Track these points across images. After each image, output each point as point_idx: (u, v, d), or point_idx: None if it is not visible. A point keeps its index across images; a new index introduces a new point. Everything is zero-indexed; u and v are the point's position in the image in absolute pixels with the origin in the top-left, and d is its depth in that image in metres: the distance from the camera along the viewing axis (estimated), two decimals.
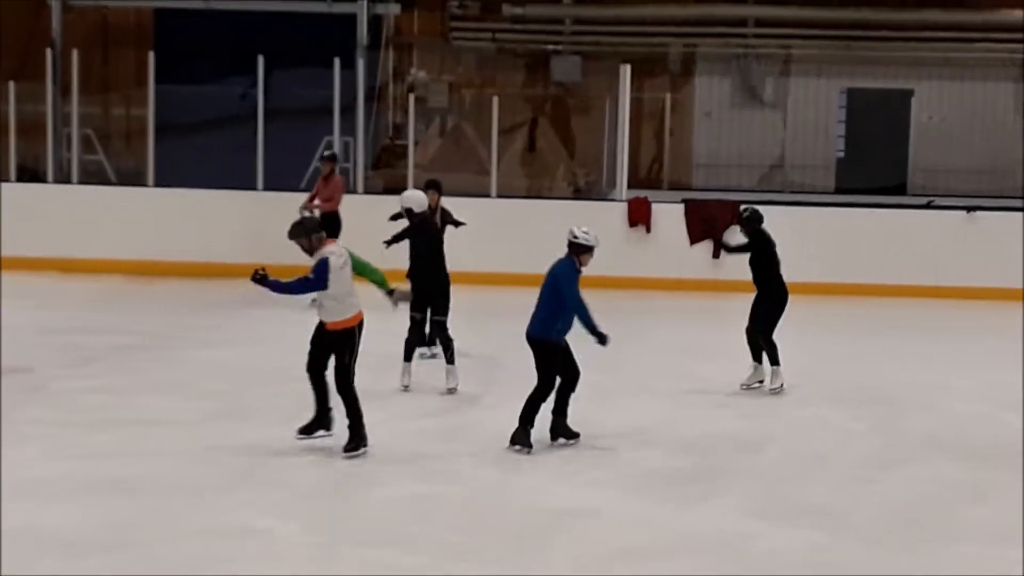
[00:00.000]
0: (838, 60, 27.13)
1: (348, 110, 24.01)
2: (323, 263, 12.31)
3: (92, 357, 16.37)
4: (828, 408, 14.67)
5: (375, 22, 26.25)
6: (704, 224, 22.45)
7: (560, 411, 12.99)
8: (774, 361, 15.23)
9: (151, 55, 23.77)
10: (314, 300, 16.84)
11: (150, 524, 10.37)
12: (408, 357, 15.23)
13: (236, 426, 13.22)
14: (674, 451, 12.88)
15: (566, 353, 12.88)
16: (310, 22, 25.84)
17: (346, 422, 12.49)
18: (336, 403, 12.49)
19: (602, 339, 12.66)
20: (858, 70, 27.30)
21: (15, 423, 12.88)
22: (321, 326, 12.53)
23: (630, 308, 19.18)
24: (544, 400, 12.82)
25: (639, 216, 22.37)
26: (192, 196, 22.88)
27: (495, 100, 23.41)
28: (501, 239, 21.72)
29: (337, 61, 23.43)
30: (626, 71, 23.07)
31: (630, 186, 23.28)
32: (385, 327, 14.34)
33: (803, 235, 20.82)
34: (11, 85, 23.63)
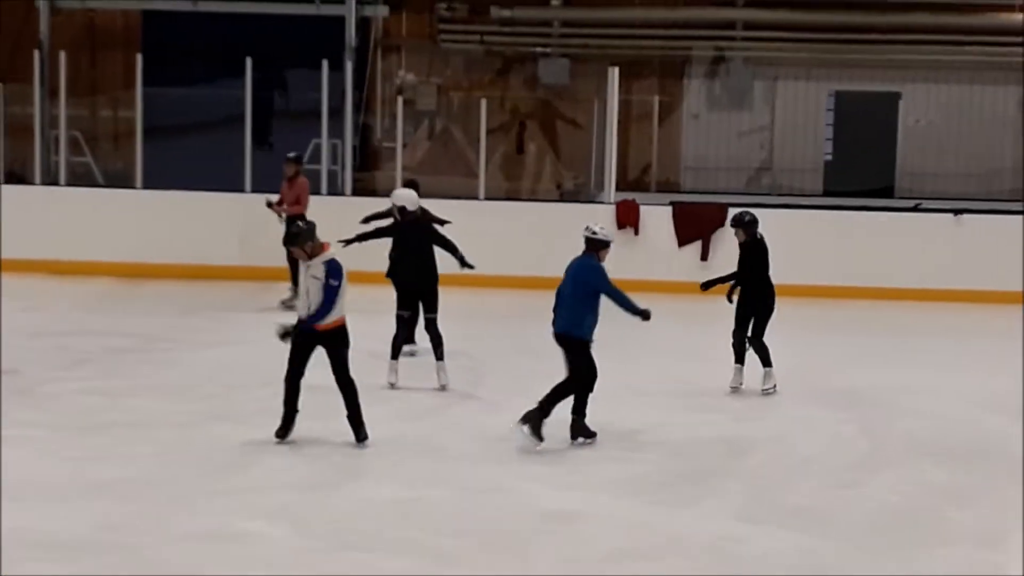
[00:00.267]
0: (826, 63, 27.13)
1: (336, 112, 24.02)
2: (339, 266, 12.56)
3: (81, 359, 16.37)
4: (816, 411, 14.71)
5: (363, 24, 26.24)
6: (692, 227, 22.50)
7: (579, 411, 13.10)
8: (767, 363, 15.29)
9: (139, 57, 23.75)
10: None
11: (140, 526, 10.39)
12: (395, 355, 15.35)
13: (226, 428, 13.23)
14: (663, 454, 12.92)
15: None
16: (298, 24, 25.83)
17: (345, 413, 12.77)
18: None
19: (646, 315, 13.13)
20: (846, 73, 27.31)
21: (4, 426, 12.87)
22: (308, 329, 12.57)
23: (618, 310, 19.17)
24: (570, 394, 12.99)
25: (627, 219, 22.40)
26: (180, 198, 22.87)
27: (483, 103, 23.43)
28: (488, 242, 21.71)
29: (325, 63, 23.43)
30: (614, 74, 23.10)
31: (618, 189, 23.31)
32: (369, 328, 14.42)
33: (791, 238, 20.82)
34: None
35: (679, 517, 11.10)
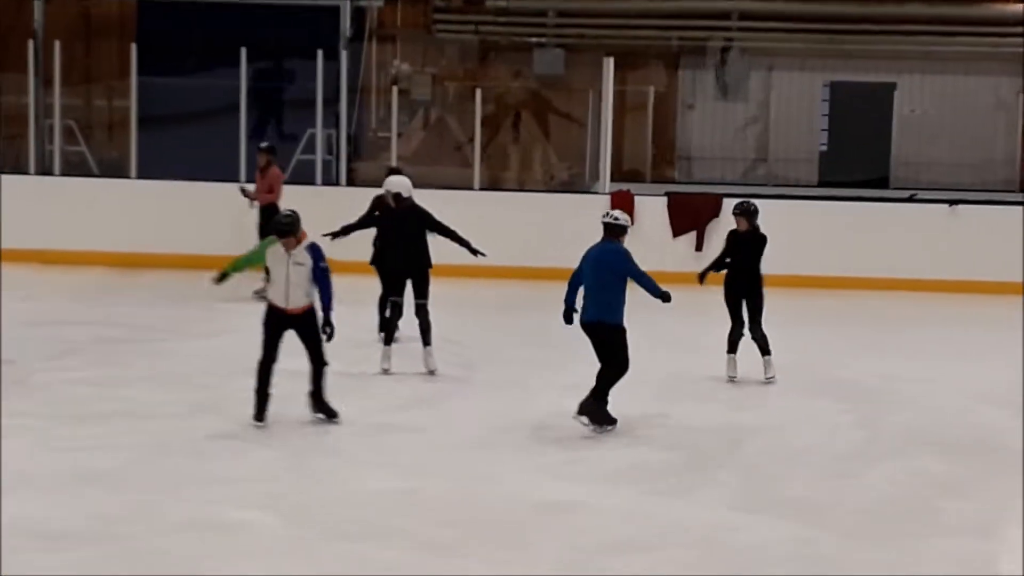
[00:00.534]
0: (821, 54, 27.10)
1: (331, 102, 23.98)
2: (320, 248, 12.88)
3: (74, 349, 16.35)
4: (812, 401, 14.70)
5: (358, 14, 26.20)
6: (687, 217, 22.47)
7: (601, 396, 13.13)
8: (768, 351, 15.32)
9: (133, 47, 23.71)
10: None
11: (132, 516, 10.37)
12: (388, 341, 15.43)
13: (219, 419, 13.21)
14: (658, 444, 12.91)
15: None
16: (293, 14, 25.78)
17: (309, 389, 13.04)
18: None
19: (667, 297, 13.34)
20: (841, 63, 27.28)
21: None
22: (282, 315, 12.79)
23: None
24: (618, 379, 13.13)
25: (622, 209, 22.31)
26: (175, 188, 22.83)
27: (478, 93, 23.40)
28: (483, 232, 21.66)
29: (320, 53, 23.39)
30: (609, 64, 23.07)
31: (613, 179, 23.28)
32: (352, 318, 14.44)
33: (786, 228, 20.74)
34: None
35: (675, 507, 11.09)
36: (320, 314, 12.88)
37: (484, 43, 27.22)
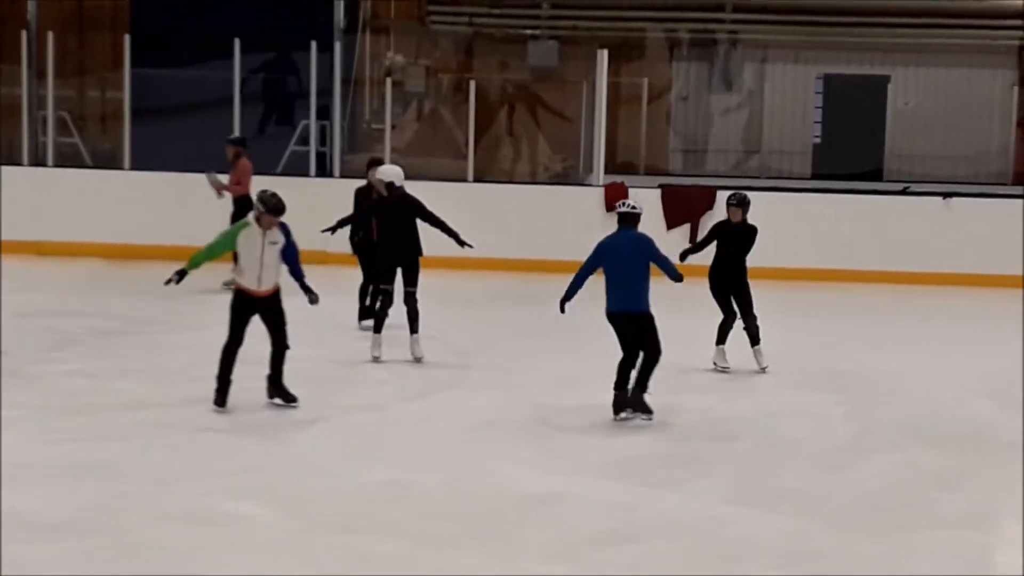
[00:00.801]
0: (815, 46, 27.12)
1: (325, 94, 23.96)
2: (287, 225, 13.17)
3: (68, 341, 16.34)
4: (804, 394, 14.71)
5: (352, 5, 26.19)
6: (681, 209, 22.47)
7: (642, 386, 13.21)
8: (759, 340, 15.34)
9: (127, 38, 23.68)
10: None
11: (127, 509, 10.36)
12: (378, 329, 15.55)
13: (213, 411, 13.19)
14: (651, 436, 12.89)
15: None
16: (287, 5, 25.76)
17: (268, 373, 13.30)
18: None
19: (680, 278, 13.56)
20: (835, 56, 27.29)
21: None
22: (251, 299, 13.06)
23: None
24: (655, 366, 13.25)
25: (616, 201, 22.28)
26: (168, 179, 22.81)
27: (472, 84, 23.40)
28: (477, 224, 21.67)
29: (314, 44, 23.38)
30: (603, 56, 23.06)
31: (606, 171, 23.28)
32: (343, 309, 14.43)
33: (779, 221, 20.80)
34: None
35: (667, 499, 11.08)
36: (288, 292, 13.25)
37: (478, 35, 27.21)
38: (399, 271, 15.62)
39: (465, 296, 19.62)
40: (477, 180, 23.41)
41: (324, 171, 23.92)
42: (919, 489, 11.57)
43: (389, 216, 15.71)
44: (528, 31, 27.16)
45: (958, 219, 22.48)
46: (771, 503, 10.97)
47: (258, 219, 12.99)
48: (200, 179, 20.31)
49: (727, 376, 15.30)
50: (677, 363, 15.72)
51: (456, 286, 19.70)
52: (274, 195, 13.06)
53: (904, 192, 23.89)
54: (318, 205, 19.45)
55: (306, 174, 23.56)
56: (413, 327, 15.51)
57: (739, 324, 15.46)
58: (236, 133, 22.74)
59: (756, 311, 15.43)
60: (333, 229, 16.34)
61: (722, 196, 16.68)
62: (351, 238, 17.08)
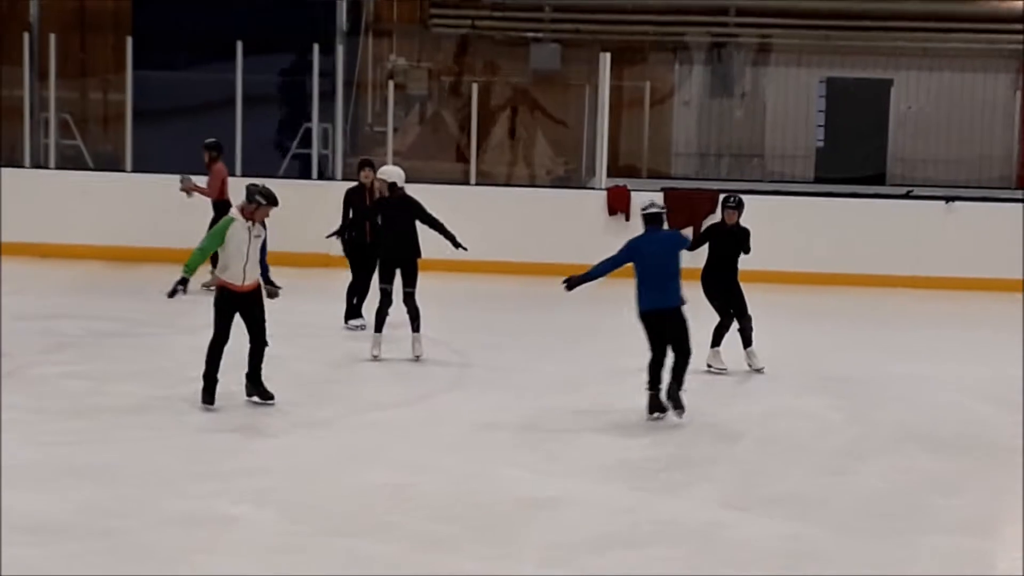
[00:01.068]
0: (818, 49, 27.12)
1: (327, 96, 23.95)
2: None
3: (68, 343, 16.33)
4: (805, 397, 14.68)
5: (354, 8, 26.19)
6: (684, 213, 22.41)
7: (679, 382, 13.30)
8: (752, 342, 15.34)
9: (129, 40, 23.68)
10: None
11: (126, 511, 10.34)
12: (379, 328, 15.67)
13: (212, 413, 13.18)
14: (650, 440, 12.88)
15: None
16: (289, 8, 25.75)
17: (246, 370, 13.33)
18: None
19: None
20: (838, 60, 27.29)
21: None
22: (235, 295, 13.11)
23: (608, 296, 19.13)
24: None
25: (618, 204, 22.34)
26: (169, 182, 22.74)
27: (474, 87, 23.39)
28: (479, 227, 21.66)
29: (316, 47, 23.37)
30: (605, 59, 23.05)
31: (609, 175, 23.26)
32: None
33: (782, 225, 20.83)
34: None
35: (667, 503, 11.06)
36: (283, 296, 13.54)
37: (480, 38, 27.20)
38: (398, 272, 15.72)
39: (467, 299, 19.61)
40: (479, 183, 23.39)
41: (326, 174, 23.89)
42: (919, 493, 11.55)
43: (390, 217, 15.83)
44: (530, 34, 27.15)
45: (961, 223, 22.45)
46: (771, 507, 10.95)
47: (253, 212, 13.06)
48: (205, 182, 20.28)
49: (725, 379, 15.27)
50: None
51: (458, 289, 19.69)
52: (267, 187, 13.22)
53: (907, 196, 23.87)
54: (320, 208, 19.50)
55: (308, 177, 23.55)
56: (414, 326, 15.67)
57: (734, 326, 15.43)
58: (238, 134, 22.75)
59: (750, 312, 15.40)
60: (339, 233, 16.57)
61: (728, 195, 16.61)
62: (341, 237, 17.20)
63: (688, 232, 21.93)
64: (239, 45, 23.11)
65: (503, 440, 12.70)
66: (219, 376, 13.24)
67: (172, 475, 11.28)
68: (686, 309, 13.33)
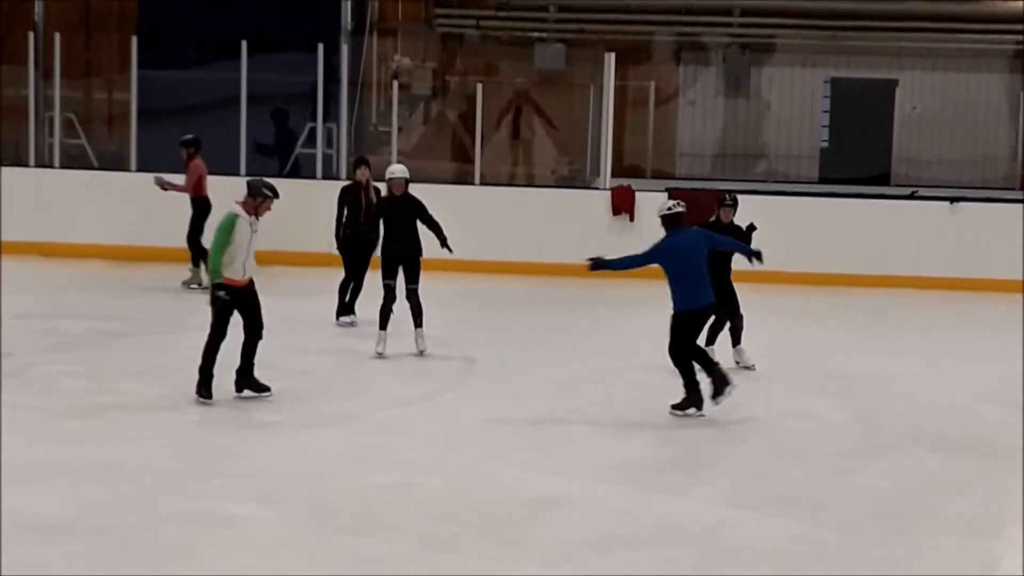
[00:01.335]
0: (823, 50, 27.10)
1: (332, 96, 23.95)
2: None
3: (72, 342, 16.33)
4: (809, 398, 14.67)
5: (359, 7, 26.17)
6: (688, 213, 22.38)
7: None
8: (740, 340, 15.39)
9: (134, 39, 23.68)
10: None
11: (129, 510, 10.34)
12: (383, 325, 15.78)
13: (216, 412, 13.18)
14: (654, 440, 12.87)
15: None
16: (294, 7, 25.75)
17: (240, 366, 13.45)
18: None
19: (760, 256, 14.06)
20: (842, 60, 27.26)
21: None
22: (234, 290, 13.14)
23: (612, 296, 19.16)
24: None
25: (623, 205, 22.33)
26: (174, 181, 22.76)
27: (479, 87, 23.37)
28: (483, 226, 21.67)
29: (321, 47, 23.37)
30: (610, 59, 23.04)
31: (613, 175, 23.25)
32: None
33: (787, 225, 20.81)
34: None
35: (672, 503, 11.05)
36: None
37: (485, 37, 27.19)
38: (400, 269, 15.91)
39: (471, 299, 19.59)
40: (483, 183, 23.37)
41: (331, 174, 23.88)
42: (924, 493, 11.53)
43: (395, 214, 16.02)
44: (535, 34, 27.14)
45: (965, 224, 22.43)
46: (775, 507, 10.94)
47: (259, 206, 13.13)
48: (210, 182, 20.28)
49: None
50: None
51: (462, 289, 19.68)
52: (265, 180, 13.40)
53: (912, 196, 23.85)
54: (324, 208, 19.47)
55: (313, 176, 23.53)
56: (417, 321, 15.87)
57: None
58: (243, 134, 22.76)
59: (763, 317, 15.40)
60: (337, 232, 16.82)
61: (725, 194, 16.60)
62: (335, 234, 17.38)
63: None
64: (243, 44, 23.10)
65: (507, 440, 12.70)
66: (220, 374, 13.22)
67: (175, 474, 11.28)
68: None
